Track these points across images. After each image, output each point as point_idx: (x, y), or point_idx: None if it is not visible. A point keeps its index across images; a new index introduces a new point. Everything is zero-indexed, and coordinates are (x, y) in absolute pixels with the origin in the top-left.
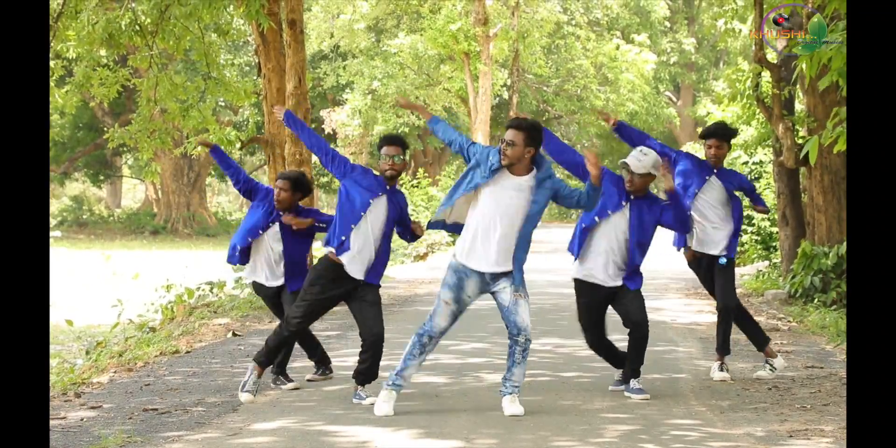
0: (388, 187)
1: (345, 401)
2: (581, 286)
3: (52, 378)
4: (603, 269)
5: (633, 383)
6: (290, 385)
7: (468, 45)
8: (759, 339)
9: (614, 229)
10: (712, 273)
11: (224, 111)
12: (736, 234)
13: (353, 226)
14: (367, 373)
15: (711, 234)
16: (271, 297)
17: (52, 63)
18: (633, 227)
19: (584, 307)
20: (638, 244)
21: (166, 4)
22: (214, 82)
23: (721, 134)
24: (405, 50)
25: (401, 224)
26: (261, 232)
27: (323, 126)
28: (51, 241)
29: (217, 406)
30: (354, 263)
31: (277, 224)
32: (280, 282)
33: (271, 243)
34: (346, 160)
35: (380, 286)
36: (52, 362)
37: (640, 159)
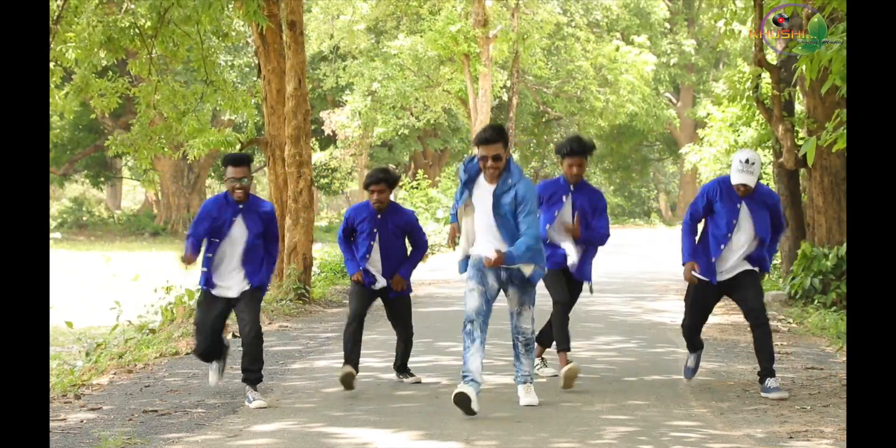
0: (239, 206)
1: (345, 402)
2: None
3: (52, 380)
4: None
5: (770, 382)
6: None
7: (468, 47)
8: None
9: (746, 230)
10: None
11: (224, 111)
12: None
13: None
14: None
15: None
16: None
17: (51, 65)
18: (757, 221)
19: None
20: (763, 233)
21: (165, 7)
22: (213, 90)
23: (584, 151)
24: (405, 51)
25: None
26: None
27: (323, 127)
28: (51, 242)
29: (217, 408)
30: (223, 279)
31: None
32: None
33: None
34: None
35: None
36: (52, 364)
37: (752, 171)
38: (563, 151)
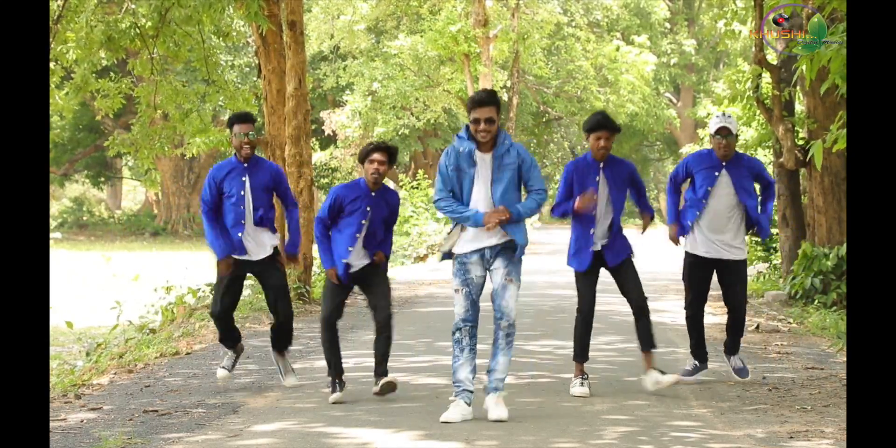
0: (244, 165)
1: (346, 402)
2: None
3: (53, 380)
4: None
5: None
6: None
7: (468, 47)
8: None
9: (725, 198)
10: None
11: (224, 111)
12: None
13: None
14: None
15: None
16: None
17: (51, 65)
18: (739, 189)
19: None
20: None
21: (166, 7)
22: (215, 89)
23: (611, 126)
24: (405, 51)
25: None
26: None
27: (323, 127)
28: (51, 242)
29: (217, 407)
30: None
31: None
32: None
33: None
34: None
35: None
36: (53, 364)
37: (730, 123)
38: (589, 126)
